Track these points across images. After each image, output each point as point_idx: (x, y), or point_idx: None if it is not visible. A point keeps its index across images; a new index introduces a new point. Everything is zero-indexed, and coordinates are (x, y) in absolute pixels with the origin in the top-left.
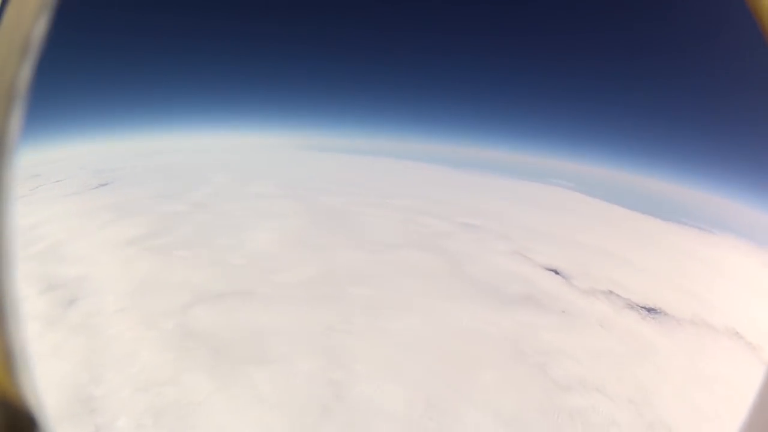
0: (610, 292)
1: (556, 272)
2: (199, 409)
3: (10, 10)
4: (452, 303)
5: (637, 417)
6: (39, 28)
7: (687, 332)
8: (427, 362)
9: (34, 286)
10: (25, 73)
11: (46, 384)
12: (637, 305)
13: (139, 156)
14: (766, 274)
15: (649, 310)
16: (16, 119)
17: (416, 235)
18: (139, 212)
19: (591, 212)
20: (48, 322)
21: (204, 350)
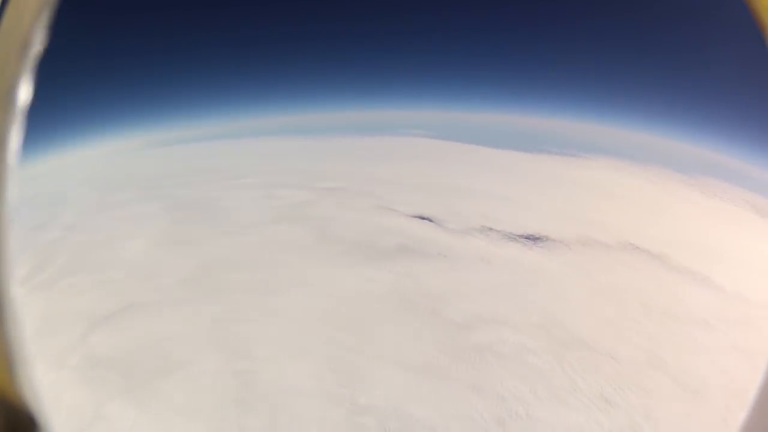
0: (486, 228)
1: (427, 219)
2: None
3: (10, 10)
4: (331, 269)
5: (549, 339)
6: (39, 28)
7: (578, 253)
8: (323, 332)
9: None
10: (25, 73)
11: None
12: (518, 236)
13: None
14: (650, 188)
15: (532, 238)
16: (16, 119)
17: (279, 209)
18: (17, 251)
19: (450, 156)
20: None
21: (114, 375)
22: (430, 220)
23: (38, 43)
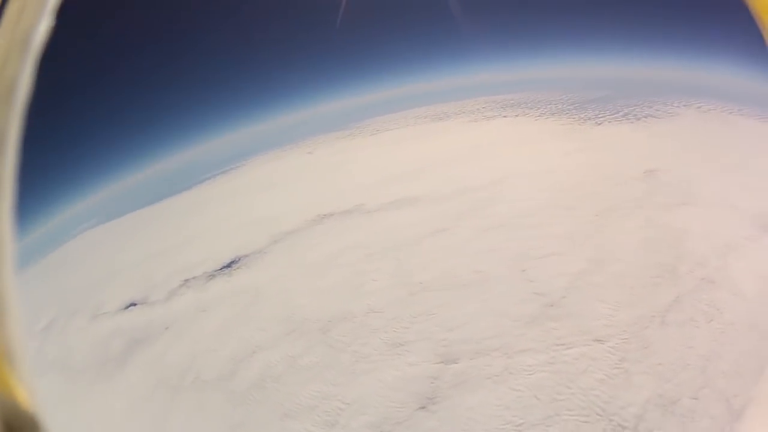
0: (185, 281)
1: (133, 304)
2: None
3: (10, 10)
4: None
5: (305, 332)
6: (39, 28)
7: (277, 252)
8: None
9: None
10: (26, 73)
11: None
12: (215, 271)
13: None
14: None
15: (229, 265)
16: (16, 119)
17: None
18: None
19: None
20: None
21: None
22: (136, 304)
23: (40, 41)
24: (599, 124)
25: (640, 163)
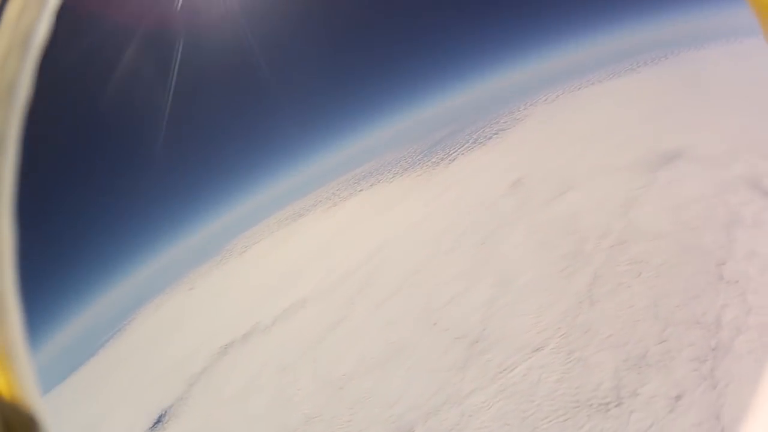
0: None
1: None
2: None
3: (10, 10)
4: None
5: None
6: (40, 29)
7: (200, 395)
8: None
9: None
10: (26, 74)
11: None
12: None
13: None
14: None
15: (159, 420)
16: (16, 120)
17: None
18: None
19: None
20: None
21: None
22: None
23: (40, 41)
24: (453, 160)
25: (504, 178)
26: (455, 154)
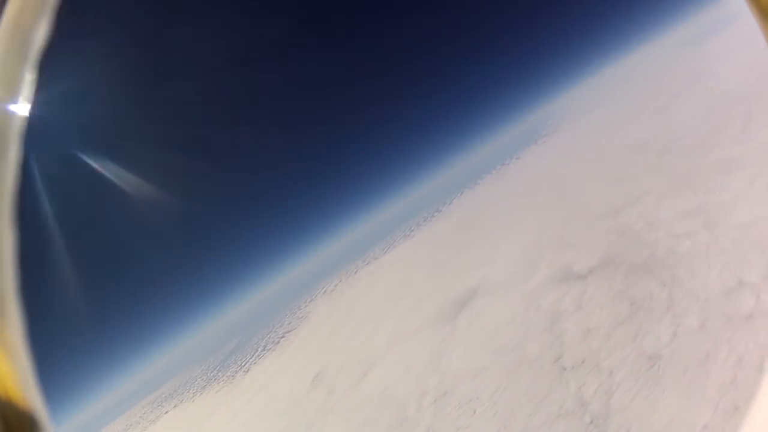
0: None
1: None
2: None
3: (10, 10)
4: None
5: None
6: (40, 29)
7: None
8: None
9: None
10: (26, 74)
11: None
12: None
13: None
14: None
15: None
16: (16, 120)
17: None
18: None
19: None
20: None
21: None
22: None
23: (41, 41)
24: (248, 370)
25: (304, 375)
26: (248, 364)
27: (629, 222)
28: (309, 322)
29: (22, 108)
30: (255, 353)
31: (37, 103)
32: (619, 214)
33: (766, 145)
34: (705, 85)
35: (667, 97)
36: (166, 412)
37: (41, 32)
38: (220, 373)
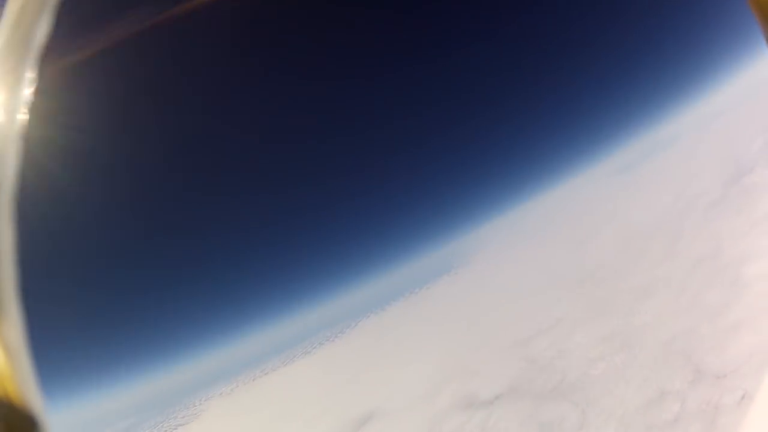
0: None
1: None
2: None
3: (10, 10)
4: None
5: None
6: (41, 29)
7: None
8: None
9: None
10: (27, 75)
11: None
12: None
13: None
14: None
15: None
16: (16, 120)
17: None
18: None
19: None
20: None
21: None
22: None
23: (42, 40)
24: None
25: None
26: None
27: (540, 350)
28: (200, 421)
29: (22, 108)
30: None
31: (37, 103)
32: (530, 343)
33: (691, 263)
34: (632, 212)
35: (590, 226)
36: None
37: (41, 32)
38: None
